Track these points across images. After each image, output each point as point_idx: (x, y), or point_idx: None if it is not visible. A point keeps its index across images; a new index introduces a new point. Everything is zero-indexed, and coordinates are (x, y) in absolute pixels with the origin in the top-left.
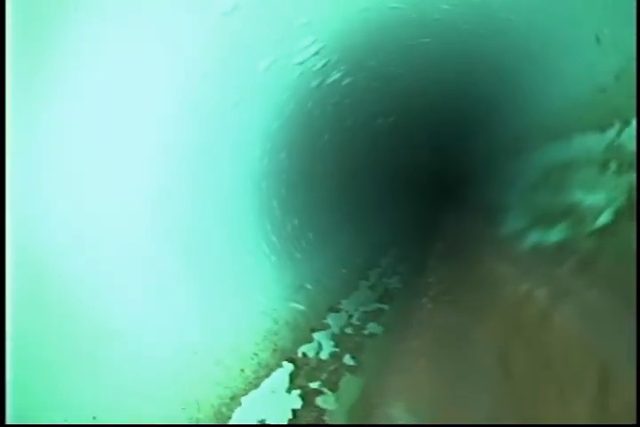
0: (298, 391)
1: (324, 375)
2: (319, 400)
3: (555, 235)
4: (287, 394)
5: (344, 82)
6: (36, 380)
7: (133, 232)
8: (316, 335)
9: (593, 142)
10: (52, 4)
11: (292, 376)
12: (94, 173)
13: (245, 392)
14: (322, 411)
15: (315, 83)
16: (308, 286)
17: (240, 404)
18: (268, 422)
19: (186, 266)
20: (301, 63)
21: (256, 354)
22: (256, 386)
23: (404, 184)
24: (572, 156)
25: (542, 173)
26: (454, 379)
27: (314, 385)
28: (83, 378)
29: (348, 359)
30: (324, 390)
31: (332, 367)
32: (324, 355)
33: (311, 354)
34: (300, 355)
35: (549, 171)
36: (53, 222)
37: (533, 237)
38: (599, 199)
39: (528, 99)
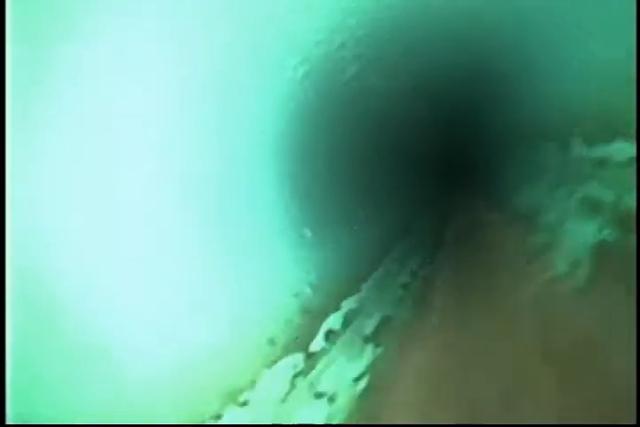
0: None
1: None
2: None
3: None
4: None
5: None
6: (36, 380)
7: (130, 232)
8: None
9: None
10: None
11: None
12: (95, 177)
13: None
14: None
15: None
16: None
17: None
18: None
19: (185, 264)
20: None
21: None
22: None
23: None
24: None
25: (558, 165)
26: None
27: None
28: (84, 378)
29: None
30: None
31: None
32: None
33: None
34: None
35: (567, 162)
36: (53, 226)
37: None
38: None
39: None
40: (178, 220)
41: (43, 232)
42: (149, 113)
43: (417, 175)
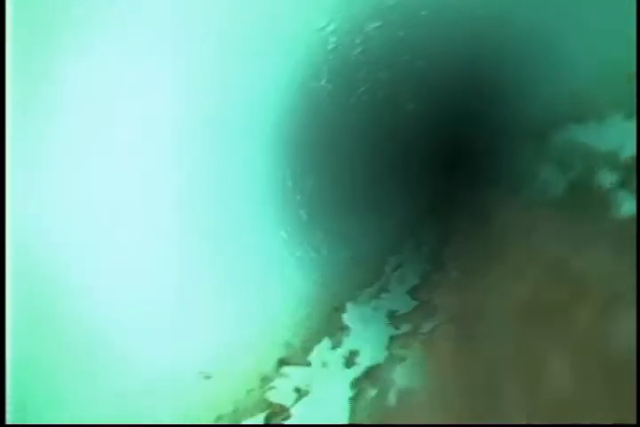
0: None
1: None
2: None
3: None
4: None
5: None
6: (36, 381)
7: (140, 232)
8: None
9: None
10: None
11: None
12: (106, 171)
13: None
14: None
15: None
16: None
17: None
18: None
19: (203, 264)
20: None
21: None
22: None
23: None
24: (585, 136)
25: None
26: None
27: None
28: (85, 379)
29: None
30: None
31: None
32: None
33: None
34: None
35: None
36: (57, 224)
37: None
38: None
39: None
40: (176, 220)
41: (42, 230)
42: (148, 113)
43: (422, 173)
